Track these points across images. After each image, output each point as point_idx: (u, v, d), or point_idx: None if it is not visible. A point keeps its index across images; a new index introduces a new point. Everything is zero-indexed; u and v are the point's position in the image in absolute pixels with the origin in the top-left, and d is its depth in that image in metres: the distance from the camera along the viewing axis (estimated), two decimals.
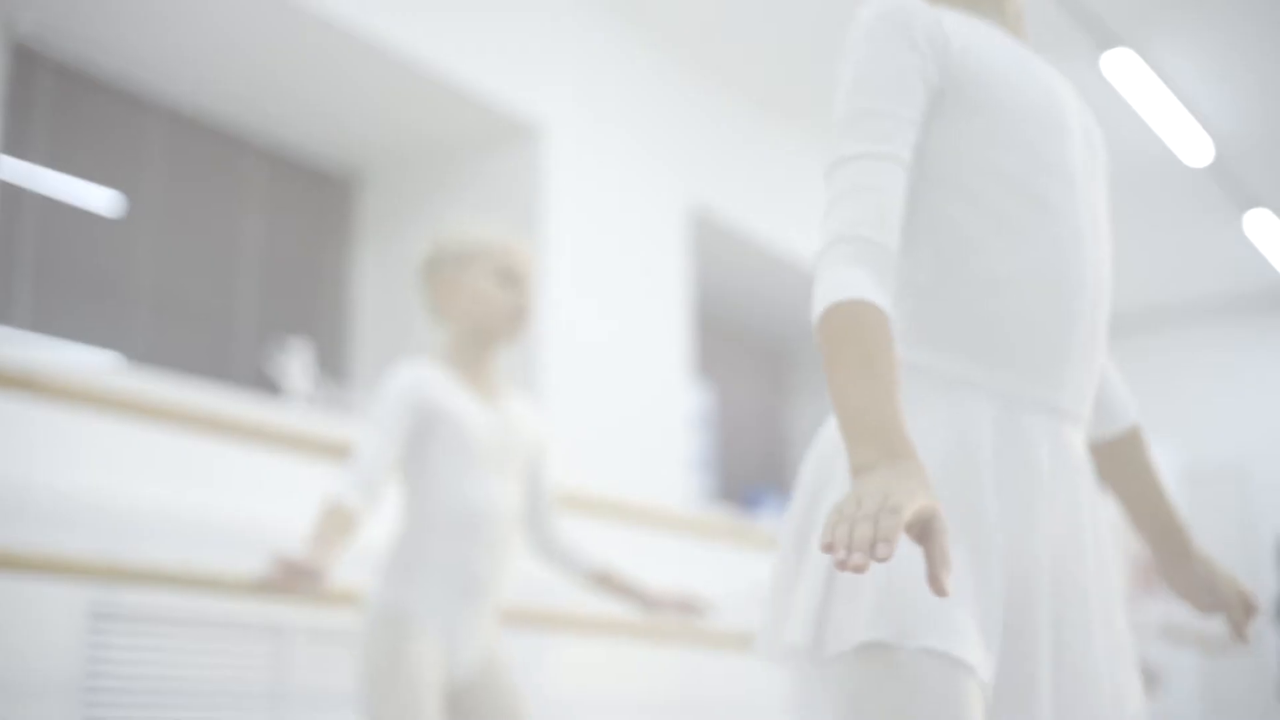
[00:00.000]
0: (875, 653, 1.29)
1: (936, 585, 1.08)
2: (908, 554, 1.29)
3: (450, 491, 2.64)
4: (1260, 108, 6.62)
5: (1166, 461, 8.71)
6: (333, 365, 5.58)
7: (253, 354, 5.23)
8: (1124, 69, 5.97)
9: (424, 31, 4.93)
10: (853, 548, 1.05)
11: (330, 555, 2.37)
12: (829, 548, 1.05)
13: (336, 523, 2.44)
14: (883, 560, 1.04)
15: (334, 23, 4.58)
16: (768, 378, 8.36)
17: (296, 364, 4.89)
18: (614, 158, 5.80)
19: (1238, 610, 1.64)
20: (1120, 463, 1.67)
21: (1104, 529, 1.47)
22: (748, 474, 7.97)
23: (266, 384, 5.20)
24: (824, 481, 1.43)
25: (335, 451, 3.41)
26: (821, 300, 1.31)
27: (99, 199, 4.77)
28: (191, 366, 4.97)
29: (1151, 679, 4.07)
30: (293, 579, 2.30)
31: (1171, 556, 1.66)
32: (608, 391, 5.53)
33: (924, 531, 1.13)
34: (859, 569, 1.03)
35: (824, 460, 1.45)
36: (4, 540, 3.26)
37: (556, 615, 3.91)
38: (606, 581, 2.85)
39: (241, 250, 5.29)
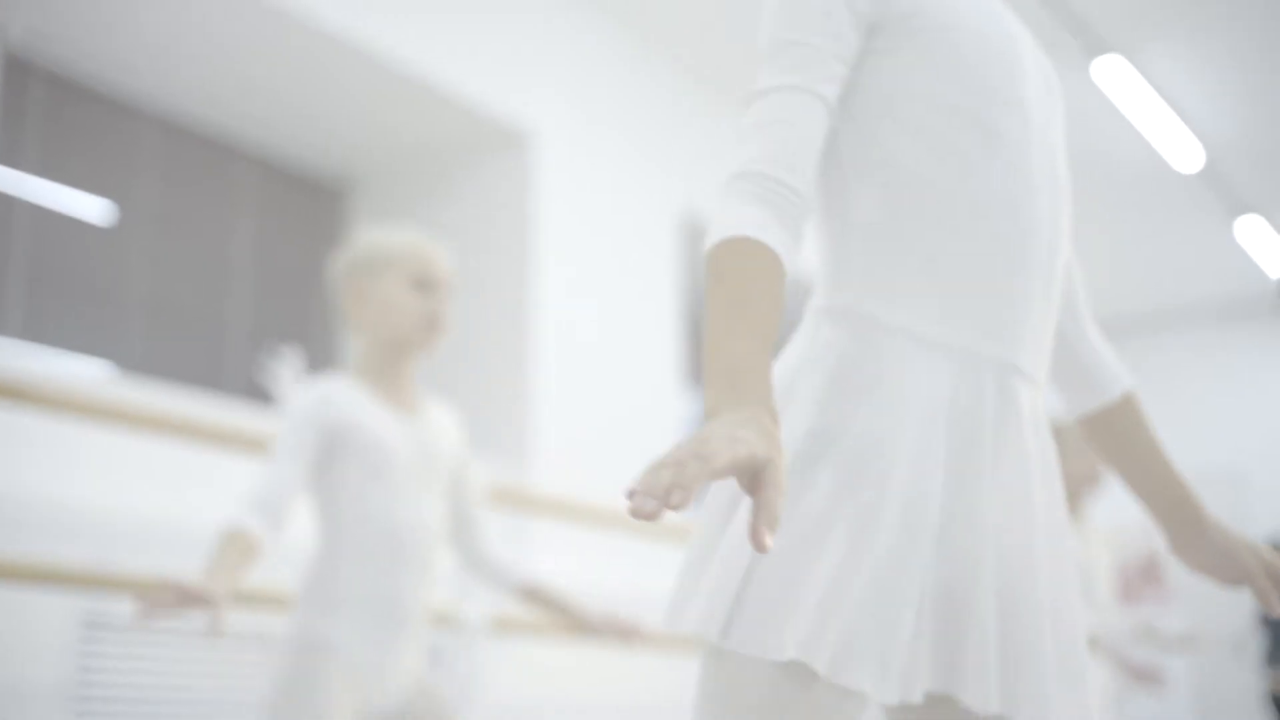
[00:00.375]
0: (772, 666, 1.20)
1: (757, 540, 0.95)
2: (836, 571, 1.19)
3: (368, 512, 2.49)
4: (1251, 114, 6.64)
5: None
6: (325, 373, 5.58)
7: (245, 362, 5.23)
8: (1114, 75, 5.98)
9: (414, 37, 4.94)
10: (648, 493, 0.93)
11: (226, 583, 2.20)
12: (630, 494, 0.93)
13: (237, 549, 2.28)
14: (676, 508, 0.93)
15: (324, 29, 4.58)
16: None
17: (289, 372, 4.89)
18: (605, 162, 5.80)
19: (1261, 579, 1.51)
20: (1116, 434, 1.56)
21: (1060, 501, 1.35)
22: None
23: (259, 392, 5.20)
24: None
25: None
26: (710, 238, 1.21)
27: (91, 207, 4.77)
28: (184, 375, 4.97)
29: (1153, 679, 4.06)
30: (182, 605, 2.09)
31: (1184, 529, 1.54)
32: (599, 396, 5.53)
33: (753, 484, 1.00)
34: (649, 516, 0.92)
35: None
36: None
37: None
38: (536, 597, 2.73)
39: (233, 258, 5.29)
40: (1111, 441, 1.57)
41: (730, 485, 1.29)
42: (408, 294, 2.59)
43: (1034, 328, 1.35)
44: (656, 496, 0.93)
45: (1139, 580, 5.18)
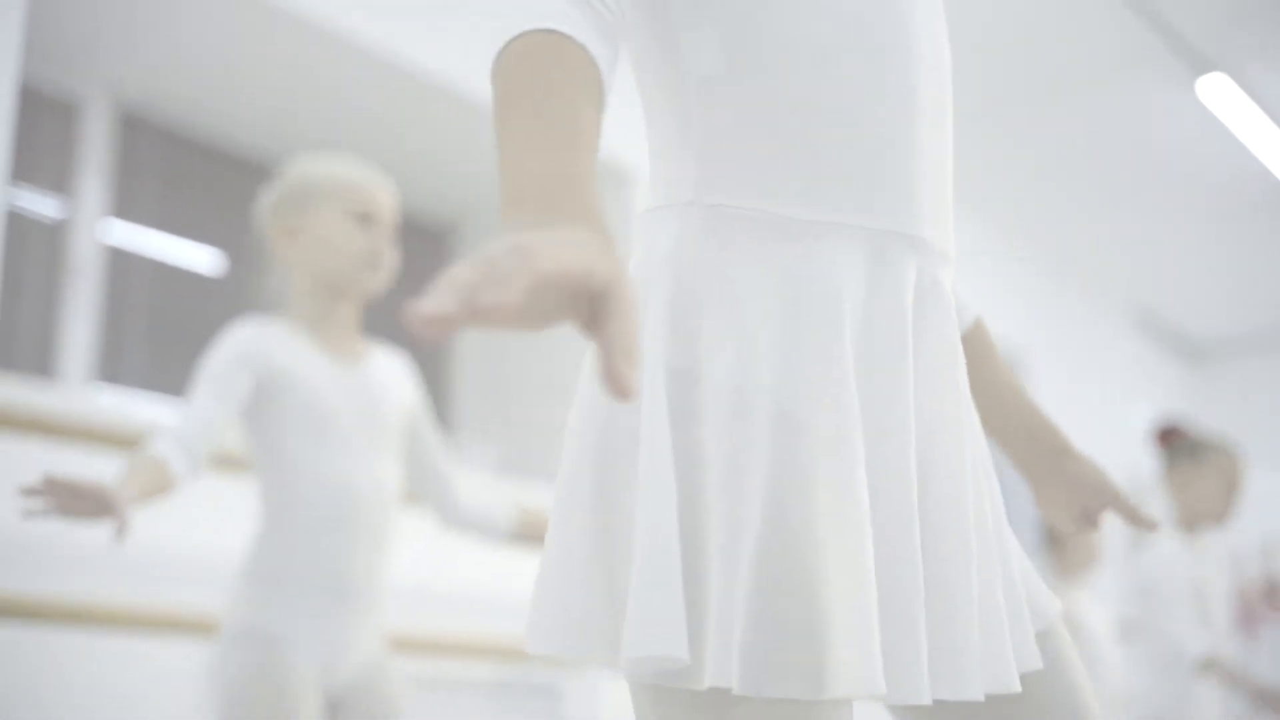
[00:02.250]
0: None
1: (618, 384, 0.68)
2: (791, 585, 0.93)
3: (310, 474, 2.18)
4: None
5: None
6: (438, 415, 5.63)
7: None
8: (1220, 94, 5.89)
9: None
10: (444, 292, 0.65)
11: (132, 496, 1.86)
12: (414, 313, 0.64)
13: (154, 475, 1.94)
14: (488, 317, 0.65)
15: (427, 78, 4.64)
16: None
17: None
18: None
19: (1126, 499, 1.32)
20: (971, 367, 1.33)
21: (967, 390, 1.12)
22: None
23: None
24: (607, 424, 1.00)
25: None
26: (502, 36, 0.92)
27: (204, 258, 4.86)
28: None
29: None
30: (70, 503, 1.74)
31: (1047, 460, 1.33)
32: None
33: (599, 311, 0.72)
34: (442, 324, 0.64)
35: (593, 402, 1.02)
36: (124, 597, 3.32)
37: None
38: (529, 529, 2.42)
39: None
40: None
41: (586, 465, 1.00)
42: (346, 229, 2.29)
43: (931, 199, 1.07)
44: (456, 294, 0.65)
45: (1261, 603, 5.00)
